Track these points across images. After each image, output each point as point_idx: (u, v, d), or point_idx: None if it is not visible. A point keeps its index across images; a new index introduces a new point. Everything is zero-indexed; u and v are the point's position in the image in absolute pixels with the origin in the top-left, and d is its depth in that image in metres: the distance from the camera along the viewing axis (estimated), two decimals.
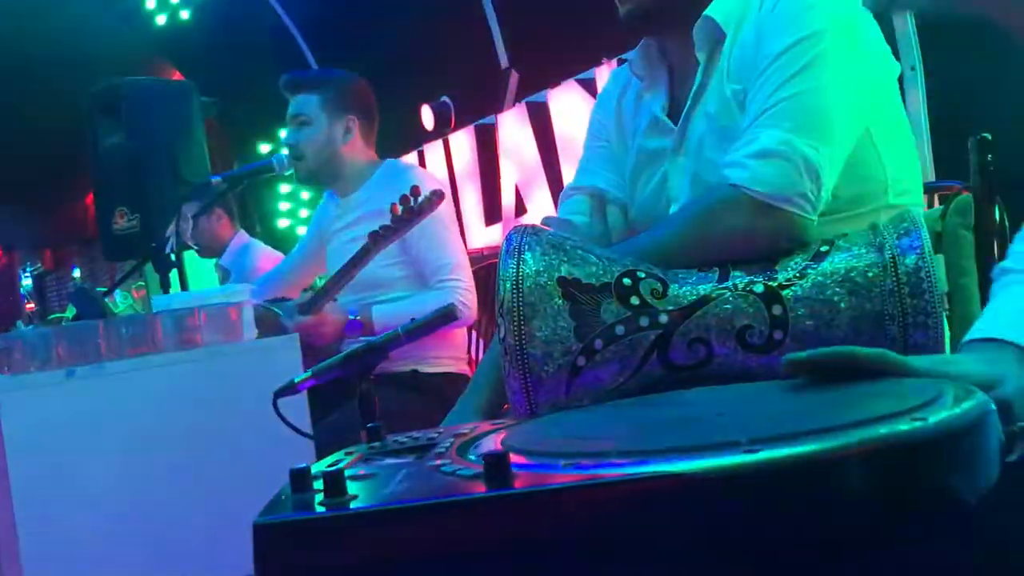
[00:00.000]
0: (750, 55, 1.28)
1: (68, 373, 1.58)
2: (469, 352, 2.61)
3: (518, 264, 1.18)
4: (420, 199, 1.95)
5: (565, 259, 1.20)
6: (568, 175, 3.10)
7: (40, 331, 1.64)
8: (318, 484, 0.54)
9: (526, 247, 1.20)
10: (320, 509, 0.49)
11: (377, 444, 0.71)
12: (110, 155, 3.28)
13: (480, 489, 0.49)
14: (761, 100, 1.23)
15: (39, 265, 12.56)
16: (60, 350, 1.59)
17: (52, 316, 6.68)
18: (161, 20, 5.05)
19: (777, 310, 1.14)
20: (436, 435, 0.71)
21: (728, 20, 1.32)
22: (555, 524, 0.47)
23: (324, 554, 0.48)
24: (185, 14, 4.99)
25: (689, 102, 1.36)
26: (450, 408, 1.45)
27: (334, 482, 0.50)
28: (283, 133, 4.87)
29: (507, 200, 3.42)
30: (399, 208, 1.96)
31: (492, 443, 0.64)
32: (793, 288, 1.15)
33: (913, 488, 0.47)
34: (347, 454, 0.67)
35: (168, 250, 2.46)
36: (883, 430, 0.47)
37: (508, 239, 1.22)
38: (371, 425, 0.72)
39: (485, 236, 3.57)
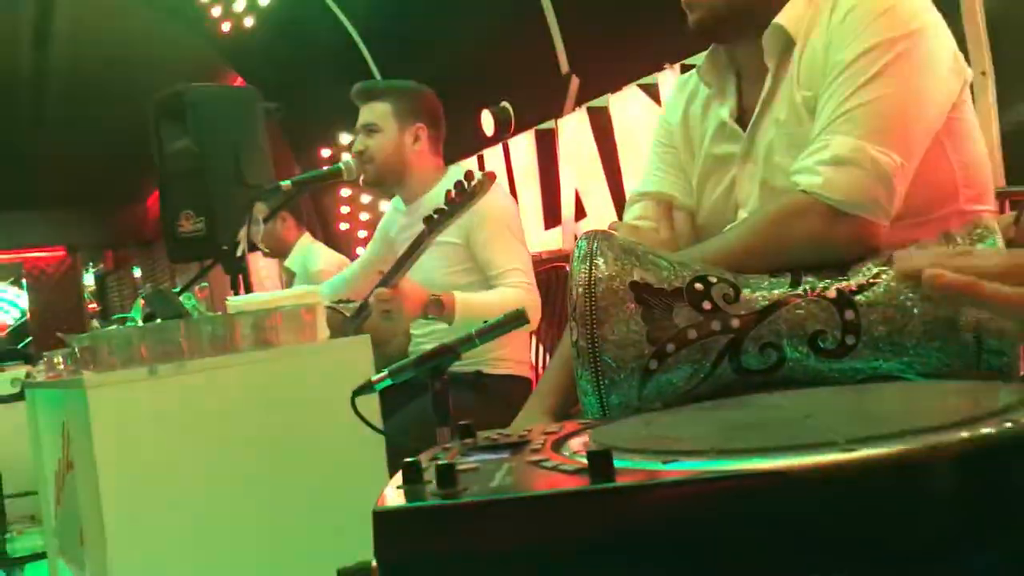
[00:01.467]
0: (820, 62, 1.29)
1: (151, 370, 1.65)
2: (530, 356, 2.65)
3: (590, 269, 1.21)
4: (474, 182, 1.99)
5: (637, 264, 1.22)
6: (629, 180, 3.11)
7: (124, 330, 1.71)
8: (424, 475, 0.58)
9: (598, 252, 1.23)
10: (435, 499, 0.52)
11: (470, 440, 0.74)
12: (176, 159, 3.37)
13: (584, 483, 0.52)
14: (832, 107, 1.24)
15: (101, 266, 12.89)
16: (144, 349, 1.65)
17: (116, 316, 6.84)
18: (226, 27, 5.16)
19: (850, 315, 1.15)
20: (526, 433, 0.74)
21: (798, 27, 1.33)
22: (658, 518, 0.50)
23: (439, 541, 0.51)
24: (249, 21, 5.10)
25: (758, 108, 1.37)
26: (511, 409, 1.48)
27: (446, 473, 0.54)
28: (348, 138, 4.97)
29: (567, 204, 3.44)
30: (452, 193, 2.00)
31: (584, 440, 0.67)
32: (866, 293, 1.16)
33: (1008, 490, 0.49)
34: (444, 450, 0.71)
35: (239, 253, 2.54)
36: (979, 431, 0.49)
37: (580, 244, 1.25)
38: (463, 423, 0.75)
39: (544, 240, 3.60)
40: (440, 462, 0.54)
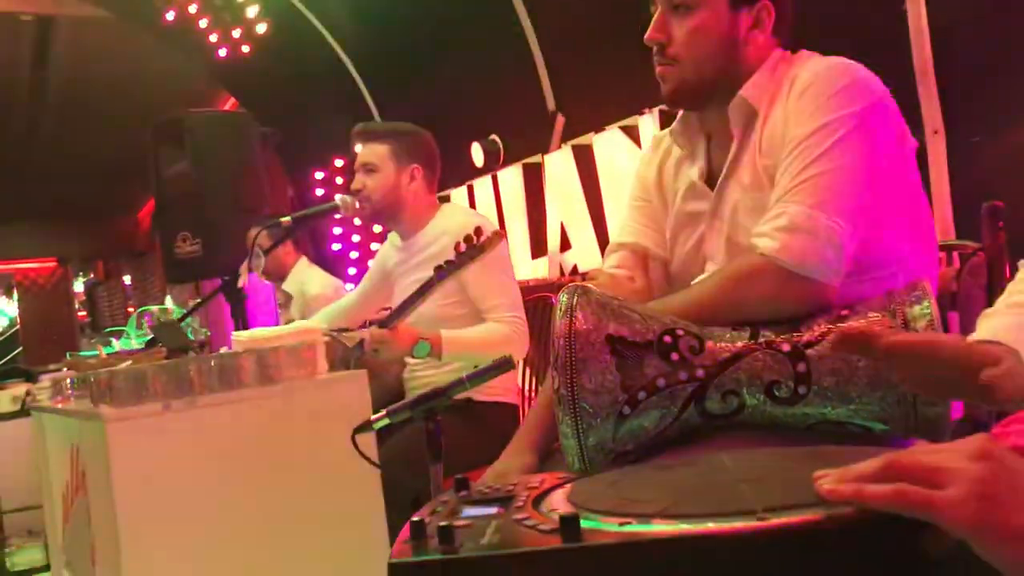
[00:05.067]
0: (779, 134, 1.43)
1: (165, 406, 1.78)
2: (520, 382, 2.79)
3: (570, 323, 1.35)
4: (483, 238, 2.14)
5: (612, 318, 1.36)
6: (611, 215, 3.26)
7: (139, 368, 1.83)
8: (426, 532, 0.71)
9: (577, 307, 1.36)
10: (437, 554, 0.66)
11: (465, 493, 0.87)
12: (173, 182, 3.49)
13: (556, 542, 0.65)
14: (789, 177, 1.37)
15: (91, 275, 12.97)
16: (157, 384, 1.78)
17: (108, 329, 6.95)
18: (223, 52, 5.29)
19: (802, 367, 1.30)
20: (512, 487, 0.87)
21: (760, 99, 1.47)
22: (612, 572, 0.64)
23: None
24: (246, 48, 5.22)
25: (725, 172, 1.51)
26: (499, 435, 1.62)
27: (447, 533, 0.67)
28: (341, 161, 5.10)
29: (552, 235, 3.58)
30: (463, 246, 2.14)
31: (560, 498, 0.80)
32: (816, 347, 1.30)
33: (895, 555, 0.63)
34: (442, 503, 0.84)
35: (240, 283, 2.67)
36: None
37: (561, 298, 1.39)
38: (459, 477, 0.89)
39: (531, 268, 3.75)
40: (441, 524, 0.68)
